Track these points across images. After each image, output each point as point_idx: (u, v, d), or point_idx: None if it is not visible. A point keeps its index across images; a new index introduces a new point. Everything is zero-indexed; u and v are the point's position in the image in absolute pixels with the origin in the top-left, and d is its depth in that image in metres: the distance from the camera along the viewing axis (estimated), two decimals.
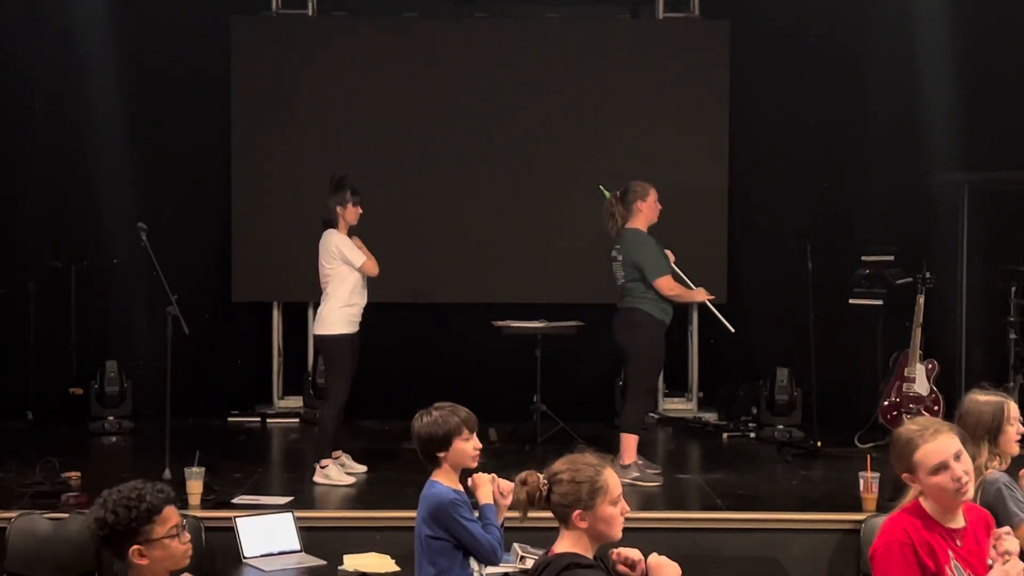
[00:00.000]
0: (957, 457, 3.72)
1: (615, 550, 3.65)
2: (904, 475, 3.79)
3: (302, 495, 7.09)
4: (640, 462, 7.50)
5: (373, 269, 7.59)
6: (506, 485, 4.63)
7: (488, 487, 4.59)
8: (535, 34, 10.05)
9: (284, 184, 9.76)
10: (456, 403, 4.66)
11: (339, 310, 7.51)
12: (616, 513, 3.58)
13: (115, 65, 9.57)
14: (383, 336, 8.56)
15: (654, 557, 3.64)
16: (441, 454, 4.54)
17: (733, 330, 8.02)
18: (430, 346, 9.96)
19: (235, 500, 6.79)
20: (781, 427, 9.03)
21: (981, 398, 4.69)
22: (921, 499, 3.78)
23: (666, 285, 7.48)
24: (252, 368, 10.23)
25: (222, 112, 9.85)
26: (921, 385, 8.63)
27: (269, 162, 9.82)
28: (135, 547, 3.35)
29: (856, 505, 6.58)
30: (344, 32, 10.06)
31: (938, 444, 3.72)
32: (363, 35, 10.00)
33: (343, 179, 7.62)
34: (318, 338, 7.68)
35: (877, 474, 6.56)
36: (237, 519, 6.20)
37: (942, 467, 3.70)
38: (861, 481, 6.58)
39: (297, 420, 9.72)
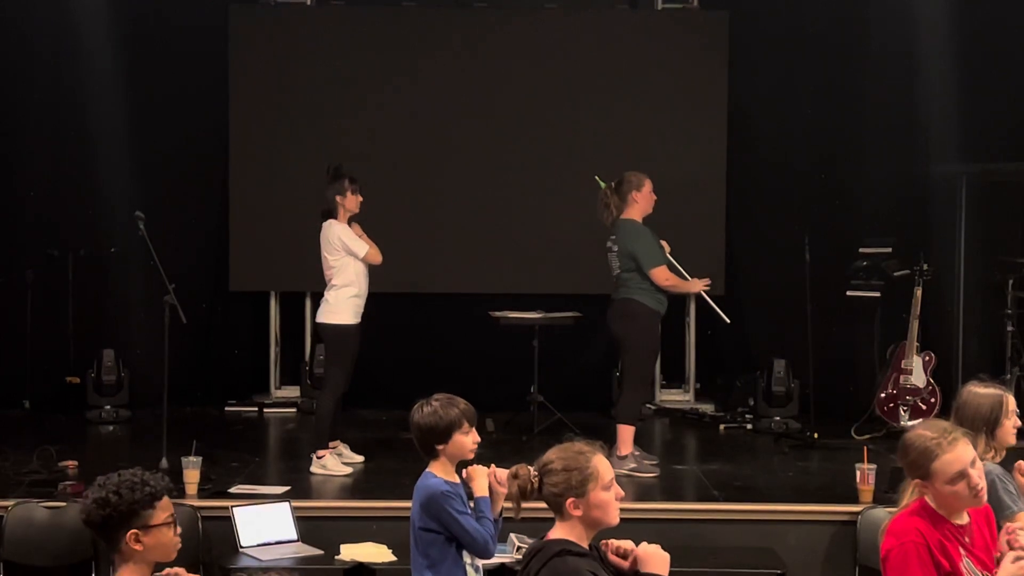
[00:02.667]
0: (973, 463, 3.69)
1: (607, 541, 3.66)
2: (917, 480, 3.75)
3: (299, 485, 7.09)
4: (637, 453, 7.50)
5: (377, 257, 7.56)
6: (503, 474, 4.62)
7: (484, 479, 4.58)
8: (534, 24, 10.03)
9: (282, 173, 9.74)
10: (454, 393, 4.65)
11: (347, 300, 7.48)
12: (610, 498, 3.58)
13: (113, 53, 9.55)
14: (380, 326, 8.54)
15: (643, 546, 3.64)
16: (440, 446, 4.51)
17: (729, 321, 8.02)
18: (427, 336, 9.96)
19: (232, 489, 6.79)
20: (778, 418, 9.03)
21: (980, 390, 4.68)
22: (927, 497, 3.75)
23: (662, 275, 7.47)
24: (249, 357, 10.22)
25: (220, 101, 9.83)
26: (918, 377, 8.64)
27: (267, 151, 9.80)
28: (133, 531, 3.33)
29: (853, 496, 6.59)
30: (342, 21, 10.04)
31: (956, 454, 3.68)
32: (361, 24, 9.98)
33: (340, 168, 7.60)
34: (324, 327, 7.62)
35: (874, 465, 6.58)
36: (234, 508, 6.21)
37: (960, 476, 3.67)
38: (858, 472, 6.59)
39: (294, 410, 9.71)
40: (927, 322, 8.88)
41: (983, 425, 4.57)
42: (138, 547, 3.35)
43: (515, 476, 3.67)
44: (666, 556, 3.60)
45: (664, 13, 10.18)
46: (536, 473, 3.63)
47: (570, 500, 3.55)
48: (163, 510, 3.39)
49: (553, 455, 3.64)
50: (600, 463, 3.61)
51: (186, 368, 9.29)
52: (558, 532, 3.59)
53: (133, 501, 3.33)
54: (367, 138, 9.72)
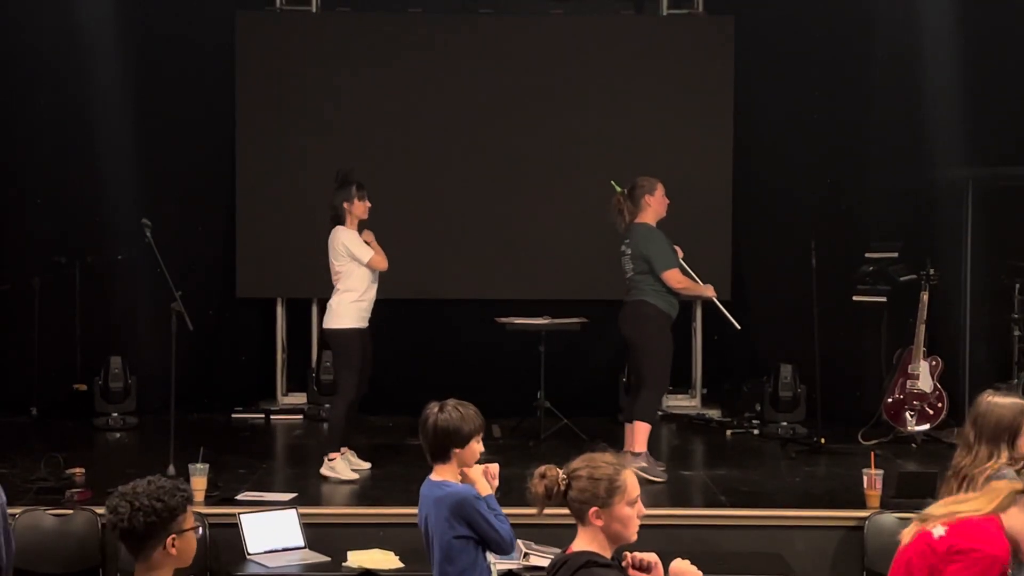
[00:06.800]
0: None
1: (628, 553, 3.64)
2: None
3: (306, 491, 7.08)
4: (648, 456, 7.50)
5: (382, 263, 7.56)
6: (493, 468, 4.64)
7: (483, 479, 4.58)
8: (539, 30, 10.05)
9: (288, 180, 9.76)
10: (461, 399, 4.65)
11: (350, 304, 7.48)
12: (632, 514, 3.58)
13: (119, 60, 9.57)
14: (387, 332, 8.56)
15: (677, 563, 3.62)
16: (456, 450, 4.52)
17: (740, 327, 8.00)
18: (434, 342, 9.96)
19: (239, 496, 6.79)
20: (785, 424, 9.03)
21: (999, 400, 4.61)
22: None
23: (674, 278, 7.49)
24: (256, 364, 10.23)
25: (226, 108, 9.86)
26: (925, 382, 8.63)
27: (273, 158, 9.82)
28: (172, 536, 3.38)
29: (860, 502, 6.57)
30: (348, 28, 10.06)
31: None
32: (367, 31, 10.00)
33: (348, 174, 7.58)
34: (328, 332, 7.61)
35: (881, 471, 6.56)
36: (241, 515, 6.20)
37: None
38: (865, 478, 6.57)
39: (301, 416, 9.72)
40: (934, 327, 8.87)
41: (1005, 434, 4.52)
42: (173, 551, 3.39)
43: (543, 476, 3.64)
44: (699, 574, 3.59)
45: (669, 18, 10.18)
46: (565, 476, 3.62)
47: (593, 509, 3.54)
48: (190, 514, 3.45)
49: (582, 462, 3.63)
50: (629, 478, 3.61)
51: (193, 375, 9.28)
52: (581, 543, 3.58)
53: (174, 507, 3.39)
54: (374, 144, 9.73)
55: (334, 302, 7.53)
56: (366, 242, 7.56)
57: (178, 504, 3.39)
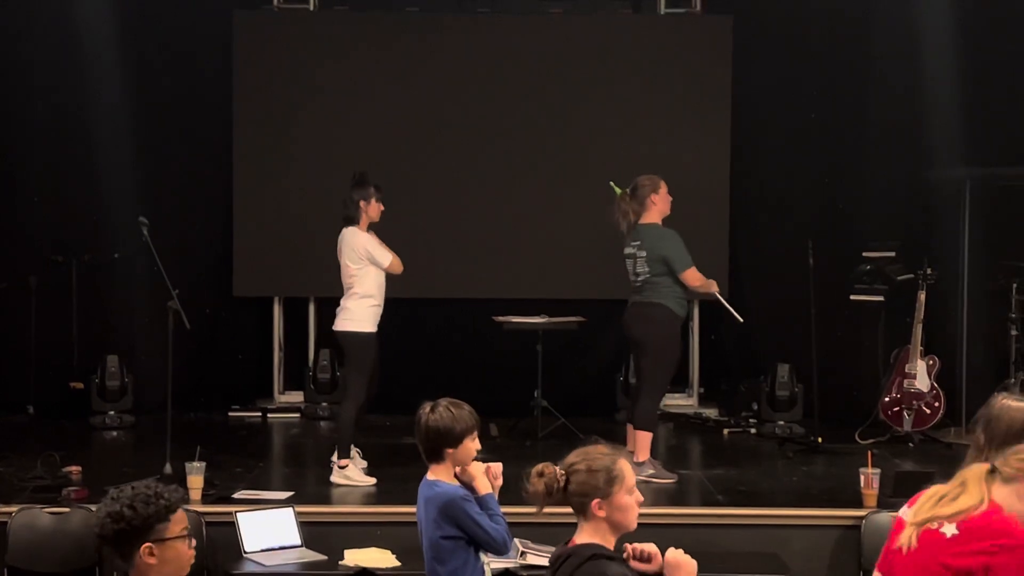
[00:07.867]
0: None
1: (628, 545, 3.65)
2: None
3: (303, 490, 7.08)
4: (656, 461, 7.50)
5: (399, 267, 7.45)
6: (496, 467, 4.64)
7: (484, 476, 4.57)
8: (537, 29, 10.04)
9: (285, 179, 9.76)
10: (458, 398, 4.64)
11: (368, 308, 7.38)
12: (632, 502, 3.61)
13: (116, 59, 9.56)
14: (385, 331, 8.53)
15: (671, 553, 3.63)
16: (449, 450, 4.49)
17: (743, 320, 7.97)
18: (431, 341, 9.95)
19: (236, 495, 6.79)
20: (782, 423, 9.04)
21: (1013, 404, 4.57)
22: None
23: (692, 276, 7.43)
24: (253, 363, 10.22)
25: (224, 107, 9.85)
26: (922, 381, 8.63)
27: (270, 157, 9.81)
28: (147, 545, 3.31)
29: (857, 501, 6.58)
30: (346, 27, 10.06)
31: None
32: (365, 30, 10.00)
33: (365, 174, 7.50)
34: (343, 335, 7.47)
35: (878, 470, 6.56)
36: (238, 514, 6.20)
37: None
38: (862, 477, 6.58)
39: (298, 415, 9.72)
40: (931, 326, 8.86)
41: (1015, 440, 4.50)
42: (151, 560, 3.32)
43: (540, 475, 3.65)
44: (694, 563, 3.60)
45: (667, 18, 10.18)
46: (563, 472, 3.62)
47: (595, 501, 3.56)
48: (177, 523, 3.36)
49: (578, 456, 3.64)
50: (624, 466, 3.63)
51: (190, 373, 9.29)
52: (584, 536, 3.59)
53: (148, 515, 3.31)
54: (370, 143, 9.72)
55: (352, 305, 7.41)
56: None
57: (154, 513, 3.31)
